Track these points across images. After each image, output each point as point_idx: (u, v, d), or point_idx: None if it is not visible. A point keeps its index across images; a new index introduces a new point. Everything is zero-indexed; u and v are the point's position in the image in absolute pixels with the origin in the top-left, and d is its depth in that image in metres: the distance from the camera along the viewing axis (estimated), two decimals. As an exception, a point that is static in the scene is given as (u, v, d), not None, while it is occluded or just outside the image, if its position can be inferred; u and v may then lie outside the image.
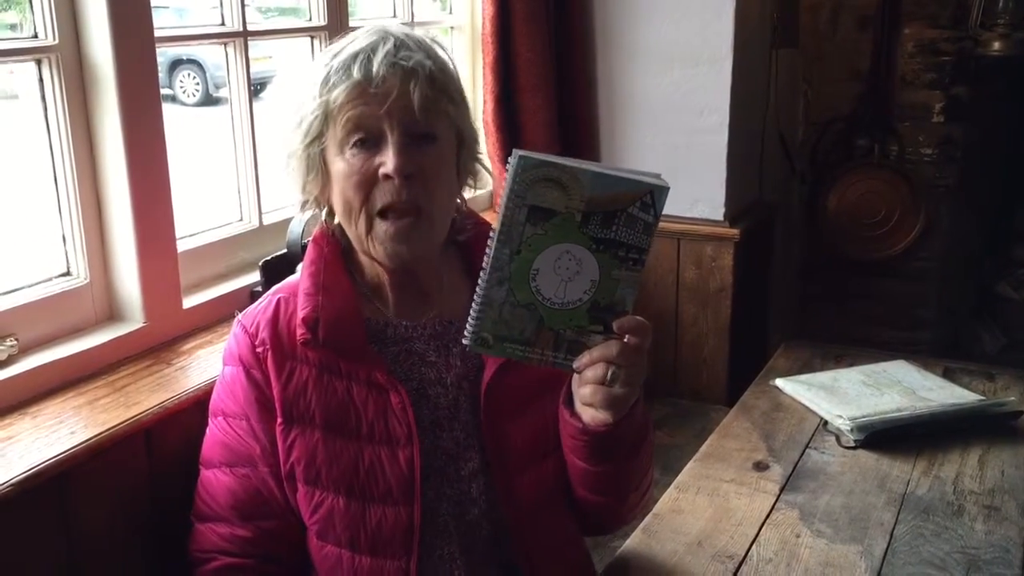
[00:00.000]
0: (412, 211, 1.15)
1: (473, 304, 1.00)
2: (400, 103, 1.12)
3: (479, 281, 0.99)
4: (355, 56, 1.14)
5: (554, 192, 0.96)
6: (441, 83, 1.16)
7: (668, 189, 0.97)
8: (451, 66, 1.20)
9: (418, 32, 1.21)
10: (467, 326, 1.01)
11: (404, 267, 1.21)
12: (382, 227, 1.15)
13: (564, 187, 0.96)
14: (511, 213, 0.96)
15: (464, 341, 1.02)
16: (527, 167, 0.95)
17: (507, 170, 0.95)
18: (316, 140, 1.16)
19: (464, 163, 1.23)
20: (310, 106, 1.15)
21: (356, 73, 1.12)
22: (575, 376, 1.07)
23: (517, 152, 0.95)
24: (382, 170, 1.13)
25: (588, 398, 1.06)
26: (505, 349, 1.02)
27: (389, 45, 1.14)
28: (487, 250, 0.98)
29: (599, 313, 1.01)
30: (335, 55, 1.16)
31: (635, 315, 1.02)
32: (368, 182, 1.14)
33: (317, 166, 1.18)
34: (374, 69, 1.12)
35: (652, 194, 0.97)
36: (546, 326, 1.01)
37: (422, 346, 1.24)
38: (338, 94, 1.13)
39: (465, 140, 1.22)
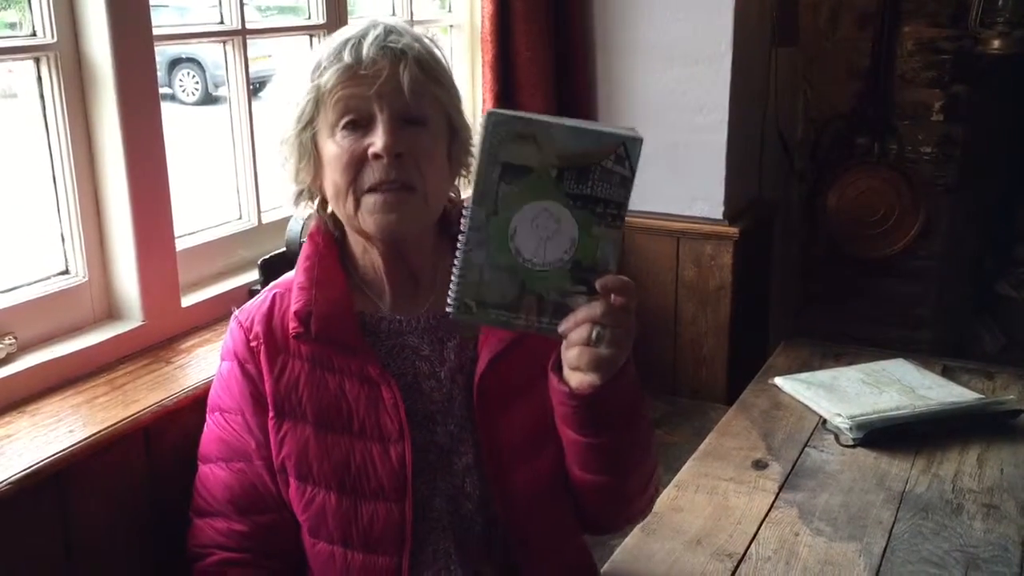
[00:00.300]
0: (402, 188, 1.14)
1: (453, 270, 0.98)
2: (389, 85, 1.13)
3: (457, 246, 0.97)
4: (346, 42, 1.15)
5: (527, 148, 0.94)
6: (431, 68, 1.16)
7: (641, 140, 0.95)
8: (442, 56, 1.20)
9: (416, 29, 1.21)
10: (449, 293, 0.99)
11: (395, 244, 1.20)
12: (371, 198, 1.15)
13: (537, 143, 0.94)
14: (485, 172, 0.94)
15: (447, 309, 0.99)
16: (498, 123, 0.93)
17: (479, 129, 0.94)
18: (308, 125, 1.16)
19: (456, 154, 1.22)
20: (302, 92, 1.16)
21: (347, 57, 1.13)
22: (563, 342, 1.05)
23: (489, 110, 0.94)
24: (371, 150, 1.12)
25: (574, 361, 1.03)
26: (489, 315, 0.99)
27: (379, 30, 1.15)
28: (463, 212, 0.96)
29: (582, 273, 0.99)
30: (327, 45, 1.17)
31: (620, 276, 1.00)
32: (357, 163, 1.14)
33: (309, 152, 1.18)
34: (364, 52, 1.13)
35: (625, 146, 0.95)
36: (528, 290, 0.99)
37: (416, 340, 1.23)
38: (328, 77, 1.13)
39: (457, 130, 1.22)
